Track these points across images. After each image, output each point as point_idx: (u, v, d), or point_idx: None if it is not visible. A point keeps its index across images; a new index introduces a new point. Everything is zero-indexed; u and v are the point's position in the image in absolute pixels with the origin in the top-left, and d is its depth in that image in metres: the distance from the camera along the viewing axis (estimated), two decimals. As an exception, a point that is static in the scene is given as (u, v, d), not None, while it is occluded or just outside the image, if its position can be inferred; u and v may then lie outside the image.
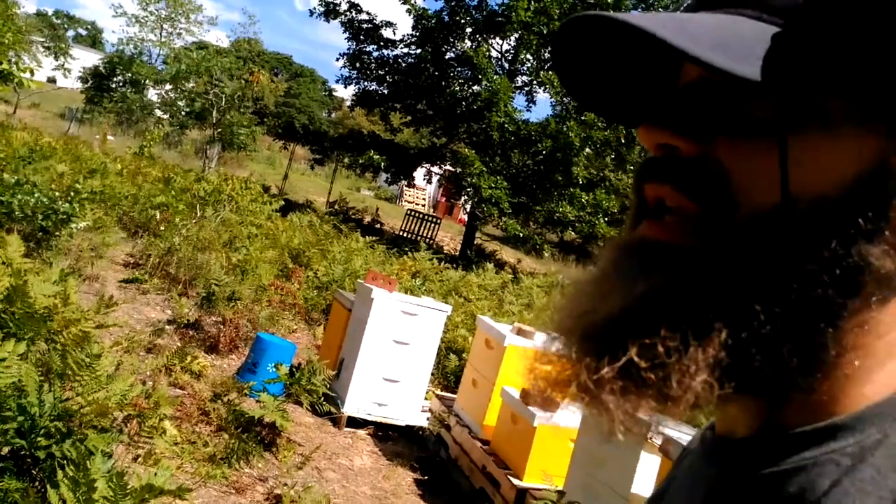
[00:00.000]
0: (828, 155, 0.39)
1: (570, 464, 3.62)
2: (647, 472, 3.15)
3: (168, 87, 24.86)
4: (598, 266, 0.46)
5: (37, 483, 2.11)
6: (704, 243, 0.41)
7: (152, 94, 30.77)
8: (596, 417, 0.42)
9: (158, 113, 28.71)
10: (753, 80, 0.38)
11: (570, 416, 4.05)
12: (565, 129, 14.19)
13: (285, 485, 3.73)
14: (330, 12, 17.91)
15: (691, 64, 0.41)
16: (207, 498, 3.37)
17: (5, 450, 2.13)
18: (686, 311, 0.40)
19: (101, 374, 2.36)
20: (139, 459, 2.73)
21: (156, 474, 2.03)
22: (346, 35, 18.02)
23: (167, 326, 5.66)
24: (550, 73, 15.48)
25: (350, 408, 4.90)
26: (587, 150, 14.43)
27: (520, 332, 4.54)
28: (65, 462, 1.94)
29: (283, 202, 10.99)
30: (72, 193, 5.60)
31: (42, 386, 2.26)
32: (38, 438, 2.11)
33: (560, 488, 3.58)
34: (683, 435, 3.15)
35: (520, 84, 17.13)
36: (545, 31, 15.34)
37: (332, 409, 4.84)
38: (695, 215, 0.42)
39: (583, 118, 14.44)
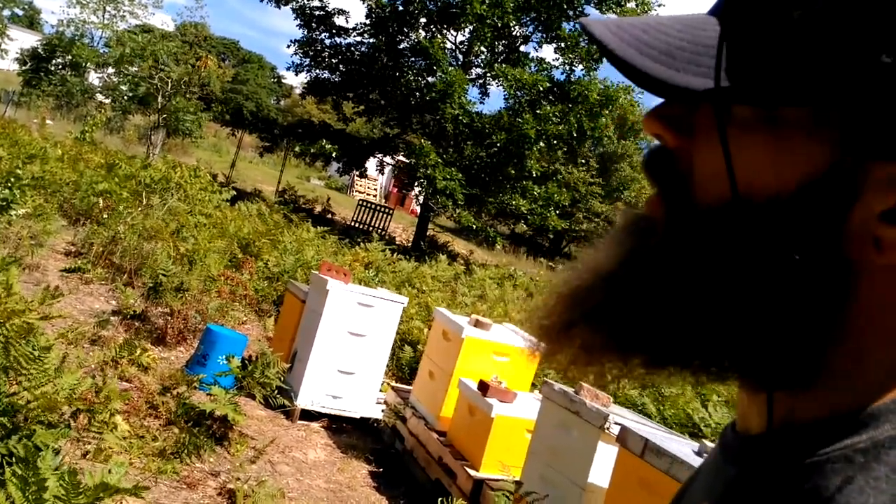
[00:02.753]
0: (774, 158, 0.41)
1: (528, 454, 3.64)
2: (603, 462, 3.19)
3: (111, 70, 24.02)
4: (605, 237, 0.50)
5: (-19, 482, 2.00)
6: (667, 235, 0.45)
7: (94, 78, 29.67)
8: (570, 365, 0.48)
9: (100, 97, 27.73)
10: (692, 89, 0.40)
11: (527, 407, 4.08)
12: (520, 121, 14.26)
13: (238, 479, 3.66)
14: (281, -2, 17.56)
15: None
16: (158, 494, 3.28)
17: (-55, 448, 2.02)
18: (646, 296, 0.44)
19: (48, 368, 2.26)
20: (88, 455, 2.62)
21: (109, 471, 1.95)
22: (298, 22, 17.71)
23: (112, 318, 5.48)
24: (504, 66, 15.52)
25: (304, 400, 4.84)
26: (541, 143, 14.54)
27: (477, 324, 4.55)
28: (12, 460, 1.85)
29: (233, 191, 10.75)
30: (12, 179, 5.36)
31: (-16, 380, 2.15)
32: (-19, 435, 2.01)
33: (517, 479, 3.60)
34: (639, 425, 3.20)
35: (473, 76, 17.12)
36: (499, 24, 15.36)
37: (286, 402, 4.77)
38: (664, 207, 0.46)
39: (537, 111, 14.53)
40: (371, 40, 17.24)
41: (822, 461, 0.39)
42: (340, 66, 17.51)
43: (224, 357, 4.81)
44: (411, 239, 17.97)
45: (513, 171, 14.79)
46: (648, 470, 2.77)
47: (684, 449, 2.88)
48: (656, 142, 0.48)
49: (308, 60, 17.78)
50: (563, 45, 16.10)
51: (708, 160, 0.43)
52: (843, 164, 0.39)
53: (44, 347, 2.25)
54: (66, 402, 2.33)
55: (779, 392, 0.43)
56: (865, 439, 0.39)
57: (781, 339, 0.40)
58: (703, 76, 0.40)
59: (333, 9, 17.75)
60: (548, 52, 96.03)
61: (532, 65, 16.45)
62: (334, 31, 17.74)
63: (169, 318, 5.67)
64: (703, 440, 3.30)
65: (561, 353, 0.48)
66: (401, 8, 16.52)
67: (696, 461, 2.71)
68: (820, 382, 0.42)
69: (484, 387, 4.03)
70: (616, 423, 3.14)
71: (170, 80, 17.90)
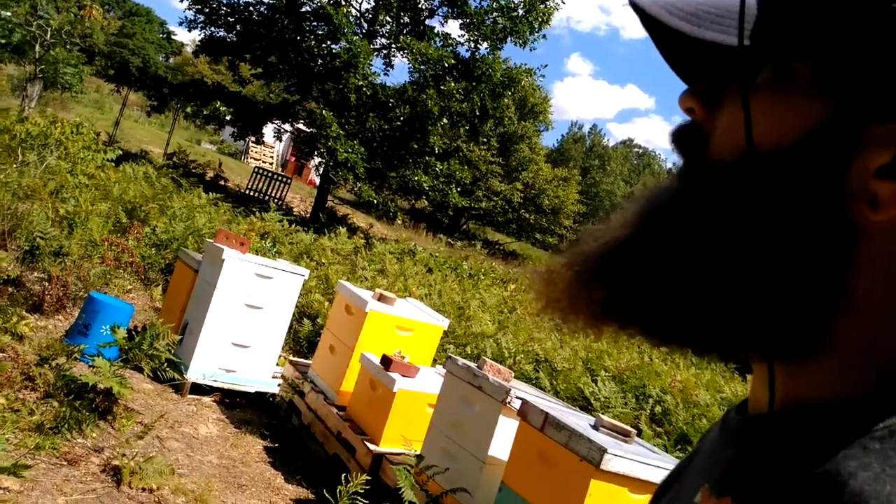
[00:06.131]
0: (780, 114, 0.42)
1: (429, 428, 3.66)
2: (504, 436, 3.25)
3: (-21, 13, 21.88)
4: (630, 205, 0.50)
5: None
6: (678, 195, 0.46)
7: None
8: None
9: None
10: (715, 42, 0.43)
11: (429, 381, 4.10)
12: (424, 97, 14.14)
13: (124, 455, 3.47)
14: (175, -52, 16.52)
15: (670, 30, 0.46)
16: (36, 471, 3.06)
17: None
18: (650, 257, 0.44)
19: (-90, 336, 2.03)
20: (-44, 432, 2.39)
21: (-16, 450, 1.78)
22: (193, -24, 16.73)
23: (-19, 282, 5.05)
24: (410, 38, 15.33)
25: (195, 374, 4.65)
26: (444, 119, 14.51)
27: (381, 299, 4.50)
28: None
29: (119, 151, 10.08)
30: None
31: None
32: None
33: (418, 453, 3.61)
34: (540, 400, 3.28)
35: (378, 46, 16.82)
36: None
37: (176, 376, 4.56)
38: (687, 174, 0.48)
39: (441, 87, 14.46)
40: (271, 1, 16.54)
41: (835, 445, 0.38)
42: (238, 25, 16.69)
43: (108, 327, 4.54)
44: (310, 210, 17.58)
45: (415, 146, 14.71)
46: (548, 443, 2.85)
47: (581, 423, 2.98)
48: (687, 118, 0.50)
49: (203, 17, 16.85)
50: (468, 21, 16.08)
51: (726, 120, 0.45)
52: (837, 121, 0.39)
53: None
54: (-68, 374, 2.11)
55: (791, 368, 0.42)
56: (881, 426, 0.38)
57: (783, 299, 0.40)
58: (723, 33, 0.44)
59: (231, -36, 16.88)
60: (453, 28, 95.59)
61: (437, 39, 16.34)
62: (232, -12, 16.88)
63: (47, 284, 5.28)
64: (596, 413, 3.42)
65: (574, 314, 0.48)
66: (304, -31, 15.94)
67: (594, 435, 2.80)
68: (833, 360, 0.41)
69: (387, 361, 4.01)
70: (517, 398, 3.20)
71: (49, 29, 16.52)
